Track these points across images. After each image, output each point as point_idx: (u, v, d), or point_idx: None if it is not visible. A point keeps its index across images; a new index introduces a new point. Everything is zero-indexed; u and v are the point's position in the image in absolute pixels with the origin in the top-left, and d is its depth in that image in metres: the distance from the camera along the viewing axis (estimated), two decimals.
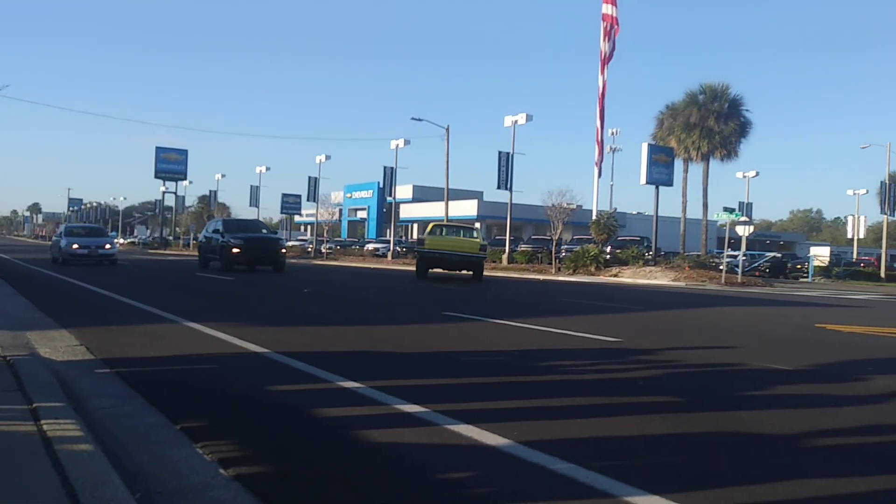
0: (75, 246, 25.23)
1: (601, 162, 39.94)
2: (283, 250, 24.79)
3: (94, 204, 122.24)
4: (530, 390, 5.39)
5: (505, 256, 37.08)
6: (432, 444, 3.80)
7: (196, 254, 32.18)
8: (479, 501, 3.04)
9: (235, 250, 22.36)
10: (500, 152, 38.98)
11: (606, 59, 38.98)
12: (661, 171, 32.87)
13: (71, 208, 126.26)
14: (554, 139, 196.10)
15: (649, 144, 34.16)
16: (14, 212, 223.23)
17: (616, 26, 38.41)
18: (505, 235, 40.58)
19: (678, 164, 40.62)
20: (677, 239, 44.57)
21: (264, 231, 26.38)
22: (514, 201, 39.45)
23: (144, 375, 5.41)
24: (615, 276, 28.51)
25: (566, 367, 6.53)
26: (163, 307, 10.36)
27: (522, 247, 40.72)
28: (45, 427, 3.33)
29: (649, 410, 4.73)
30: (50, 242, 36.38)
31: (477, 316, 10.56)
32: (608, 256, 31.92)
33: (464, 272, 23.14)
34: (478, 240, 23.22)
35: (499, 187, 39.30)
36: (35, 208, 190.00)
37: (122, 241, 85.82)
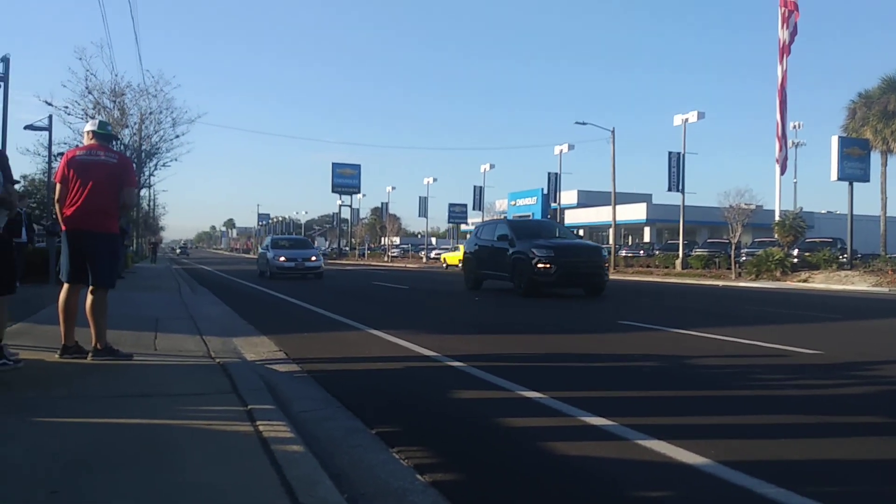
0: (282, 259, 24.47)
1: (783, 158, 37.13)
2: (606, 264, 18.45)
3: (280, 218, 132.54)
4: (723, 405, 5.08)
5: (678, 261, 35.45)
6: (623, 459, 3.68)
7: (370, 263, 33.02)
8: None
9: (543, 265, 15.91)
10: (669, 153, 37.43)
11: (786, 48, 36.24)
12: (854, 166, 29.89)
13: (260, 223, 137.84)
14: (729, 137, 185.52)
15: (840, 137, 31.19)
16: (213, 227, 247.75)
17: (795, 11, 35.64)
18: (677, 240, 38.82)
19: (875, 158, 36.68)
20: (876, 240, 40.23)
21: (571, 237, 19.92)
22: (686, 203, 37.68)
23: (337, 380, 5.74)
24: (804, 281, 26.25)
25: (761, 381, 6.09)
26: (346, 315, 10.98)
27: (697, 251, 38.66)
28: (260, 428, 3.62)
29: (864, 432, 4.29)
30: (242, 254, 39.54)
31: (655, 325, 10.16)
32: (795, 260, 29.45)
33: None
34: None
35: (669, 189, 37.72)
36: (230, 223, 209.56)
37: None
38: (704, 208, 48.99)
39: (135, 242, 38.24)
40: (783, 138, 37.08)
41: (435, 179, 67.52)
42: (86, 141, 6.04)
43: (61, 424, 3.70)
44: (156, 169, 30.94)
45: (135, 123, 26.70)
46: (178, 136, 28.47)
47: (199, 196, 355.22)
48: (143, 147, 28.20)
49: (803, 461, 3.70)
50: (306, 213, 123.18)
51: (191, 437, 3.49)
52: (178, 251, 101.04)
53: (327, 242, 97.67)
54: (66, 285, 5.81)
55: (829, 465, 3.65)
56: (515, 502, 3.12)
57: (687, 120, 36.21)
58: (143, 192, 39.61)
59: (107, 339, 5.83)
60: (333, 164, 77.68)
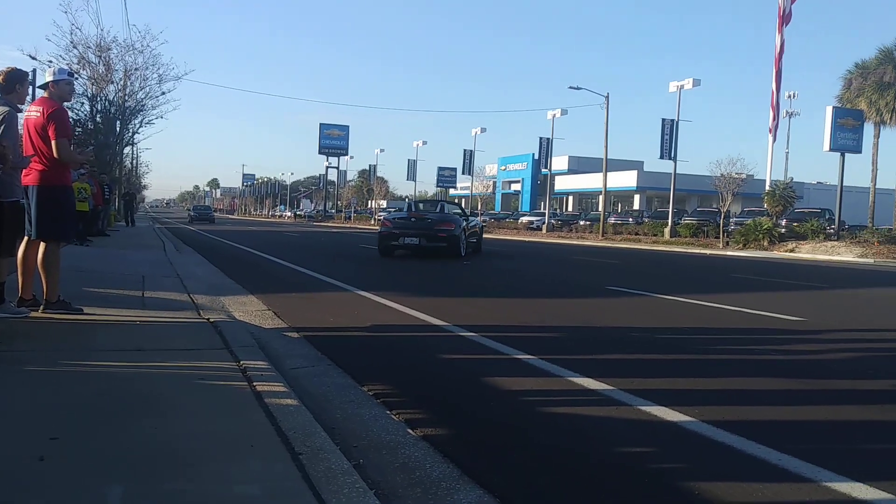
0: None
1: (776, 128, 37.22)
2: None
3: (266, 179, 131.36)
4: (709, 369, 5.18)
5: (668, 230, 35.60)
6: (611, 417, 3.77)
7: (356, 226, 31.94)
8: (664, 476, 2.98)
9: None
10: (663, 120, 37.25)
11: (785, 17, 36.04)
12: (847, 137, 29.86)
13: (245, 183, 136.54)
14: (724, 105, 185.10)
15: (834, 108, 31.10)
16: (196, 187, 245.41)
17: None
18: (667, 208, 38.94)
19: (868, 129, 36.74)
20: (864, 211, 40.63)
21: None
22: (678, 171, 37.70)
23: (327, 339, 5.78)
24: (791, 251, 26.49)
25: (746, 347, 6.20)
26: (333, 276, 11.01)
27: (687, 219, 38.81)
28: (254, 382, 3.67)
29: (844, 395, 4.40)
30: (227, 214, 38.28)
31: (643, 291, 10.27)
32: (783, 230, 29.68)
33: None
34: None
35: (661, 157, 37.66)
36: (214, 184, 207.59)
37: (289, 213, 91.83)
38: (695, 177, 49.13)
39: (117, 202, 37.57)
40: (777, 108, 37.13)
41: (425, 142, 66.97)
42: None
43: (58, 374, 3.73)
44: (140, 126, 30.52)
45: (120, 79, 26.29)
46: (163, 93, 28.05)
47: (182, 155, 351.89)
48: (128, 104, 27.82)
49: (784, 421, 3.81)
50: (292, 174, 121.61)
51: (187, 390, 3.53)
52: (189, 213, 62.21)
53: (313, 204, 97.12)
54: (24, 239, 5.67)
55: (809, 425, 3.76)
56: (506, 456, 3.18)
57: (682, 87, 35.95)
58: (126, 150, 39.12)
59: (59, 292, 5.69)
60: (321, 124, 76.98)
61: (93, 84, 25.04)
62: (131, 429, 2.89)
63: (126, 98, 27.36)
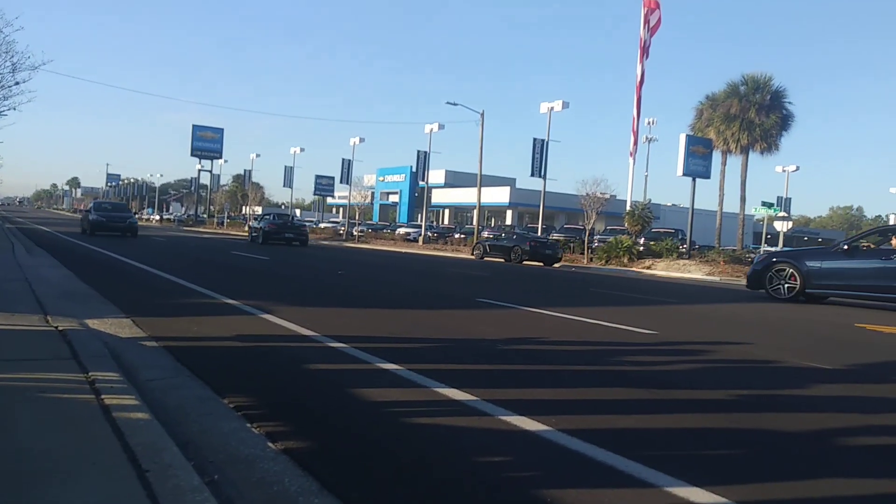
0: None
1: (636, 152, 39.59)
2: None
3: (132, 180, 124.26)
4: (568, 380, 5.41)
5: None
6: (472, 427, 3.85)
7: (228, 232, 33.71)
8: (520, 485, 3.08)
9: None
10: (534, 139, 38.66)
11: (646, 49, 38.54)
12: (698, 163, 32.33)
13: (109, 183, 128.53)
14: (591, 128, 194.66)
15: (687, 135, 33.59)
16: (54, 185, 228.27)
17: (657, 9, 37.99)
18: (537, 223, 40.37)
19: (716, 157, 40.11)
20: (713, 233, 44.02)
21: None
22: (547, 189, 39.21)
23: (189, 349, 5.54)
24: (648, 268, 28.25)
25: (603, 358, 6.53)
26: (202, 284, 10.57)
27: (554, 235, 40.42)
28: (102, 395, 3.45)
29: (688, 404, 4.72)
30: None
31: (510, 304, 10.58)
32: (641, 248, 31.60)
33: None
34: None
35: (532, 174, 39.05)
36: (74, 182, 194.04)
37: (157, 217, 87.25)
38: (563, 195, 51.30)
39: None
40: (637, 133, 39.53)
41: (303, 149, 65.66)
42: None
43: None
44: None
45: None
46: (17, 84, 25.91)
47: (39, 151, 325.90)
48: None
49: (633, 429, 4.04)
50: (161, 175, 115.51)
51: (24, 404, 3.26)
52: (86, 216, 34.44)
53: (183, 208, 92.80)
54: None
55: (654, 433, 4.01)
56: (366, 468, 3.18)
57: (553, 108, 37.54)
58: None
59: None
60: (194, 126, 73.80)
61: None
62: None
63: None
